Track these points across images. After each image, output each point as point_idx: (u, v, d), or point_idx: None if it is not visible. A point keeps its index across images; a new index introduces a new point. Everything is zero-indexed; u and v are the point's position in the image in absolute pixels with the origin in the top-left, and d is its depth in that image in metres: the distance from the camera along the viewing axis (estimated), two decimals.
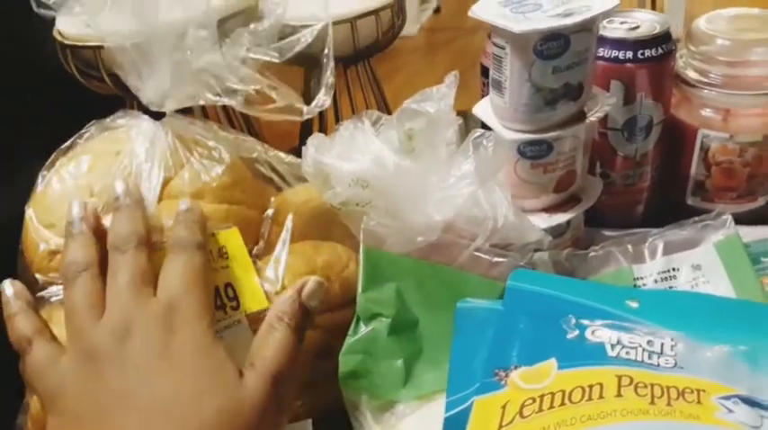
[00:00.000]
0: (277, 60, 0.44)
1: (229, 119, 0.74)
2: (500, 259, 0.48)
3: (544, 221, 0.55)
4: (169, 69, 0.44)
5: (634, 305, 0.41)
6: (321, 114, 0.76)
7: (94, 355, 0.37)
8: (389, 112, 0.79)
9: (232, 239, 0.44)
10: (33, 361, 0.39)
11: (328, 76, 0.46)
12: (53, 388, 0.37)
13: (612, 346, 0.38)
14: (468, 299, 0.45)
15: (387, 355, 0.45)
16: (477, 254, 0.50)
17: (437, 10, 3.19)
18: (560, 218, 0.55)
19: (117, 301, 0.39)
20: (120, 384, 0.36)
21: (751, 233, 0.64)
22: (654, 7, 2.45)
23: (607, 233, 0.66)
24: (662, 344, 0.38)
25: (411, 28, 2.71)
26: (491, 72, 0.51)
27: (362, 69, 0.74)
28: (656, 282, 0.48)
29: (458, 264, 0.50)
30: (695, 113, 0.62)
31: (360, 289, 0.46)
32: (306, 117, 0.46)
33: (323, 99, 0.46)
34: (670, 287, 0.48)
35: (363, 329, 0.46)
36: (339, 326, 0.46)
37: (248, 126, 0.76)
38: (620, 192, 0.65)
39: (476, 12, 0.49)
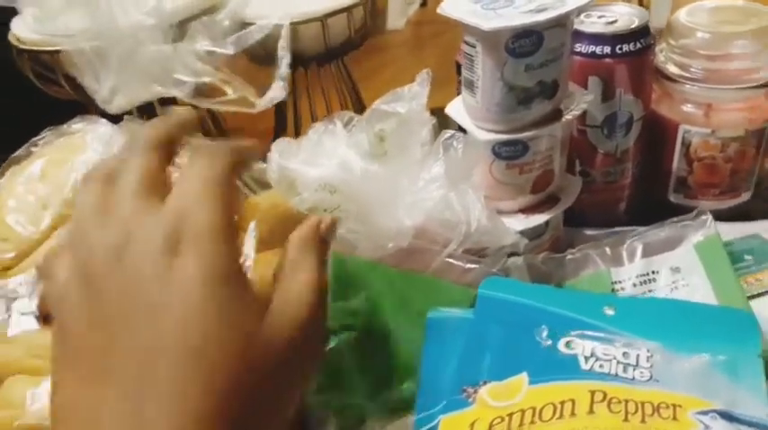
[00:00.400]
0: (231, 52, 0.43)
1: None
2: (473, 265, 0.46)
3: (521, 223, 0.54)
4: (119, 65, 0.42)
5: (610, 313, 0.39)
6: (296, 116, 0.74)
7: (92, 272, 0.30)
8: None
9: None
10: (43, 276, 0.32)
11: (283, 70, 0.45)
12: (54, 306, 0.31)
13: (586, 359, 0.36)
14: (440, 308, 0.43)
15: (356, 369, 0.43)
16: (450, 260, 0.48)
17: (423, 3, 3.16)
18: (538, 219, 0.54)
19: (118, 209, 0.31)
20: (118, 312, 0.29)
21: (735, 230, 0.62)
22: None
23: (588, 232, 0.64)
24: (638, 356, 0.36)
25: (398, 22, 2.68)
26: (463, 71, 0.50)
27: (336, 68, 0.72)
28: (634, 285, 0.46)
29: (431, 270, 0.48)
30: (676, 108, 0.60)
31: (328, 299, 0.45)
32: (258, 109, 0.44)
33: (277, 91, 0.45)
34: (649, 290, 0.46)
35: (332, 340, 0.44)
36: None
37: (218, 129, 0.74)
38: (601, 190, 0.63)
39: (445, 9, 0.47)
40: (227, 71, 0.44)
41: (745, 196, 0.63)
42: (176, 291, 0.29)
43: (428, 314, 0.43)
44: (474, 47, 0.47)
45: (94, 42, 0.42)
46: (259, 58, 0.67)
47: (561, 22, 0.45)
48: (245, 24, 0.46)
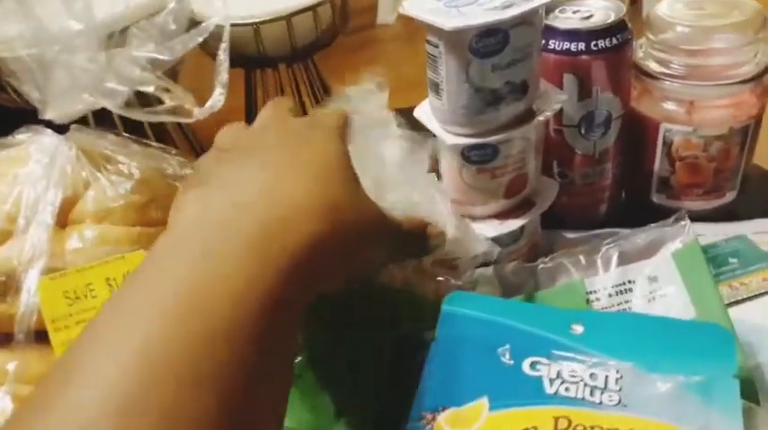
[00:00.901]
0: (167, 58, 0.41)
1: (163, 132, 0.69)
2: (441, 278, 0.44)
3: (495, 229, 0.52)
4: (51, 74, 0.40)
5: (579, 330, 0.37)
6: None
7: (232, 148, 0.36)
8: None
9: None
10: None
11: (222, 75, 0.42)
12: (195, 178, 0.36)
13: (551, 381, 0.34)
14: (405, 323, 0.41)
15: (312, 391, 0.41)
16: (418, 271, 0.46)
17: None
18: (513, 224, 0.52)
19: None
20: (267, 141, 0.36)
21: (720, 230, 0.60)
22: None
23: (569, 235, 0.62)
24: (606, 378, 0.34)
25: (388, 17, 2.66)
26: (428, 73, 0.47)
27: (306, 69, 0.70)
28: (610, 295, 0.44)
29: (399, 282, 0.46)
30: (657, 106, 0.58)
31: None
32: (196, 118, 0.42)
33: (216, 99, 0.42)
34: (625, 301, 0.44)
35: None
36: None
37: (187, 137, 0.72)
38: (581, 192, 0.61)
39: (406, 8, 0.45)
40: (166, 78, 0.41)
41: (731, 196, 0.61)
42: (320, 134, 0.37)
43: (392, 330, 0.40)
44: (437, 47, 0.44)
45: (31, 49, 0.40)
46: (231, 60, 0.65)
47: (528, 20, 0.42)
48: (194, 26, 0.44)
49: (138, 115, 0.41)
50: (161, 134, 0.67)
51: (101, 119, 0.53)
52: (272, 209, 0.31)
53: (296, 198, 0.32)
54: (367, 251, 0.37)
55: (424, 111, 0.51)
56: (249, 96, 0.71)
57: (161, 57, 0.40)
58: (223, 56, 0.42)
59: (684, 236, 0.44)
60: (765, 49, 0.56)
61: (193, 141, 0.72)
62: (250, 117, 0.72)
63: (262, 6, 0.62)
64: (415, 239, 0.42)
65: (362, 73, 0.44)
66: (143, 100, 0.42)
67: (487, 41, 0.43)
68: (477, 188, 0.50)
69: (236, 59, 0.65)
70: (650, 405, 0.32)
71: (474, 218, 0.53)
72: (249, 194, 0.32)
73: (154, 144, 0.50)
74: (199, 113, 0.41)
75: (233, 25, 0.61)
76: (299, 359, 0.42)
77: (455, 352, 0.37)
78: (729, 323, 0.39)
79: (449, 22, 0.42)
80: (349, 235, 0.34)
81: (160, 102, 0.42)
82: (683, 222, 0.44)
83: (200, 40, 0.42)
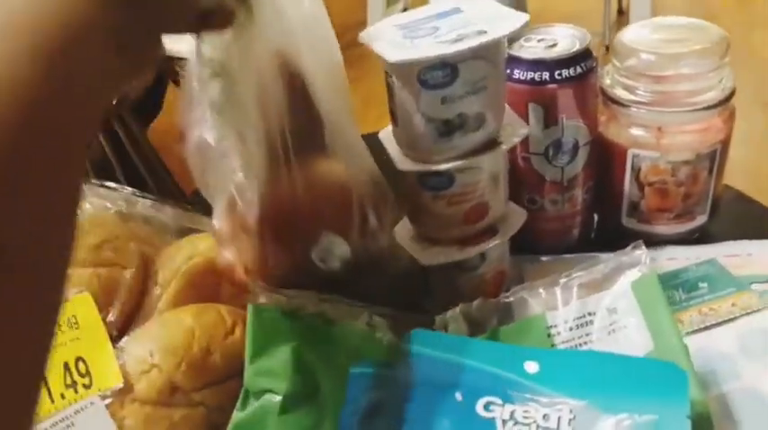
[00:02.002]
0: None
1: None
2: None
3: (454, 254, 0.52)
4: None
5: (533, 369, 0.37)
6: None
7: None
8: None
9: (83, 306, 0.40)
10: None
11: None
12: None
13: (504, 423, 0.34)
14: (364, 361, 0.41)
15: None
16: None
17: (404, 10, 3.16)
18: (472, 251, 0.51)
19: None
20: None
21: (691, 254, 0.60)
22: (620, 9, 2.42)
23: (543, 259, 0.62)
24: (559, 419, 0.34)
25: None
26: (388, 100, 0.47)
27: None
28: (570, 329, 0.44)
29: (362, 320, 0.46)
30: (624, 132, 0.58)
31: (247, 358, 0.42)
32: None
33: None
34: (586, 334, 0.44)
35: (252, 405, 0.41)
36: (222, 402, 0.41)
37: (159, 166, 0.72)
38: (552, 217, 0.61)
39: (363, 35, 0.45)
40: None
41: (701, 219, 0.61)
42: None
43: (350, 369, 0.40)
44: (391, 77, 0.45)
45: None
46: None
47: (479, 55, 0.43)
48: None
49: None
50: (133, 174, 0.67)
51: None
52: None
53: None
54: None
55: (387, 135, 0.51)
56: None
57: None
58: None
59: (642, 265, 0.44)
60: (730, 73, 0.56)
61: (166, 179, 0.72)
62: None
63: None
64: None
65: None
66: None
67: (435, 74, 0.43)
68: (435, 213, 0.51)
69: None
70: None
71: (436, 242, 0.53)
72: None
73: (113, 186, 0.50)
74: None
75: None
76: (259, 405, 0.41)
77: (413, 391, 0.37)
78: (686, 356, 0.39)
79: (395, 54, 0.42)
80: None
81: None
82: (639, 251, 0.44)
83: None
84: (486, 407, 0.35)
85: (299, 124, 0.42)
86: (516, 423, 0.34)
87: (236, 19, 0.37)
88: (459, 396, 0.36)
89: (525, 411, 0.34)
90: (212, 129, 0.42)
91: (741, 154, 1.08)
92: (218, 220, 0.45)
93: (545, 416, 0.34)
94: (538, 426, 0.34)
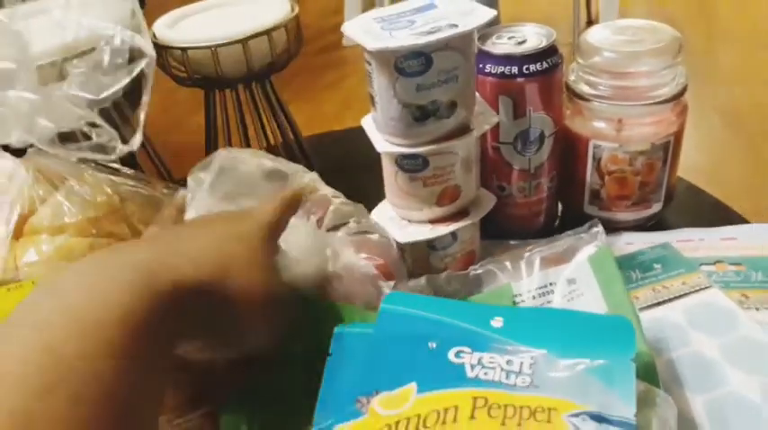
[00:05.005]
0: (97, 97, 0.44)
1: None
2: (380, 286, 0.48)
3: (426, 233, 0.56)
4: None
5: (498, 324, 0.41)
6: (230, 138, 0.76)
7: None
8: (295, 133, 0.79)
9: None
10: None
11: (141, 117, 0.45)
12: None
13: (472, 367, 0.38)
14: (348, 324, 0.45)
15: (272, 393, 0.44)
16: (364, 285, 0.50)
17: None
18: (443, 230, 0.56)
19: None
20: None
21: (646, 239, 0.65)
22: (588, 12, 2.48)
23: (512, 243, 0.67)
24: (521, 364, 0.38)
25: None
26: (367, 86, 0.52)
27: (262, 89, 0.74)
28: (534, 297, 0.48)
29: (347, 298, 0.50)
30: (587, 125, 0.63)
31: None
32: (118, 155, 0.45)
33: (136, 141, 0.46)
34: (547, 302, 0.48)
35: None
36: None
37: (156, 157, 0.75)
38: (519, 203, 0.65)
39: (346, 26, 0.49)
40: (95, 114, 0.44)
41: (656, 207, 0.66)
42: (246, 223, 0.42)
43: (335, 330, 0.44)
44: (370, 64, 0.49)
45: None
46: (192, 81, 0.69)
47: (451, 45, 0.47)
48: (139, 58, 0.47)
49: (62, 152, 0.44)
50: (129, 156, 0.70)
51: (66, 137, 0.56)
52: (164, 257, 0.35)
53: (189, 250, 0.37)
54: (258, 321, 0.40)
55: (368, 121, 0.55)
56: (209, 115, 0.74)
57: (90, 96, 0.43)
58: (146, 98, 0.45)
59: (598, 241, 0.48)
60: (682, 71, 0.61)
61: (159, 164, 0.75)
62: (210, 134, 0.75)
63: (219, 31, 0.66)
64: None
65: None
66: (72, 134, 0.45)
67: (411, 63, 0.47)
68: (411, 194, 0.55)
69: (197, 81, 0.69)
70: (557, 386, 0.36)
71: (411, 221, 0.57)
72: (154, 250, 0.36)
73: (112, 166, 0.53)
74: (119, 152, 0.44)
75: (192, 48, 0.65)
76: None
77: (390, 345, 0.41)
78: (634, 315, 0.44)
79: (373, 43, 0.46)
80: (233, 294, 0.37)
81: (88, 137, 0.45)
82: (596, 229, 0.48)
83: (133, 75, 0.45)
84: (457, 354, 0.39)
85: None
86: (483, 367, 0.38)
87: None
88: (432, 345, 0.40)
89: (491, 357, 0.38)
90: None
91: (702, 159, 1.14)
92: None
93: (508, 362, 0.38)
94: (502, 369, 0.38)
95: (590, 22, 2.66)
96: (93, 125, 0.44)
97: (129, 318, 0.30)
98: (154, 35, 0.68)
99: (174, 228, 0.40)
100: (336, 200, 0.57)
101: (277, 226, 0.44)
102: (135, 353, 0.30)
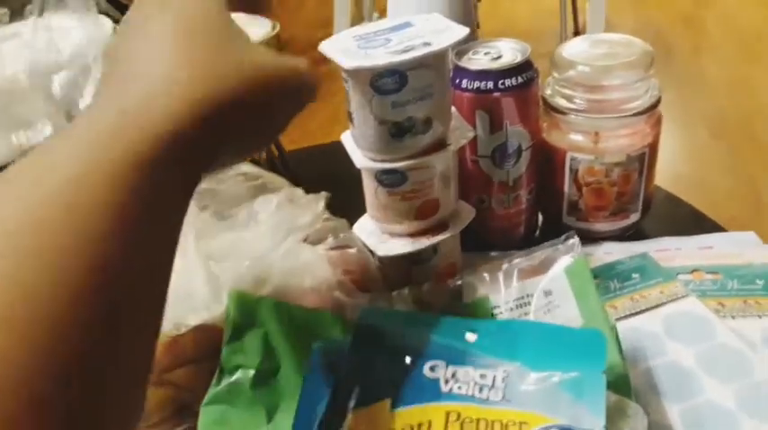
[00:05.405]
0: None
1: None
2: (363, 301, 0.49)
3: (407, 246, 0.56)
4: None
5: (472, 338, 0.42)
6: None
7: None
8: (279, 148, 0.80)
9: None
10: None
11: None
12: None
13: (446, 381, 0.39)
14: (326, 339, 0.46)
15: (249, 406, 0.45)
16: (340, 296, 0.50)
17: None
18: (424, 242, 0.56)
19: None
20: None
21: (626, 249, 0.66)
22: (576, 23, 2.51)
23: (492, 255, 0.68)
24: (494, 377, 0.39)
25: None
26: (345, 103, 0.52)
27: None
28: (511, 309, 0.49)
29: (324, 307, 0.50)
30: (564, 137, 0.64)
31: (225, 339, 0.47)
32: None
33: None
34: (525, 313, 0.49)
35: (226, 380, 0.46)
36: (192, 383, 0.45)
37: None
38: (499, 215, 0.66)
39: (323, 45, 0.50)
40: None
41: (634, 217, 0.67)
42: None
43: (313, 345, 0.45)
44: (347, 82, 0.49)
45: None
46: None
47: (425, 63, 0.48)
48: None
49: None
50: None
51: None
52: (133, 88, 0.31)
53: (153, 74, 0.32)
54: (272, 108, 0.36)
55: (347, 137, 0.56)
56: None
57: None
58: None
59: (574, 253, 0.49)
60: (655, 84, 0.63)
61: None
62: None
63: None
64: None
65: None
66: None
67: (386, 81, 0.48)
68: (391, 208, 0.55)
69: None
70: (529, 399, 0.37)
71: (392, 234, 0.58)
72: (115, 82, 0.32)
73: None
74: None
75: None
76: (233, 380, 0.46)
77: (366, 360, 0.42)
78: (609, 326, 0.45)
79: (348, 62, 0.47)
80: (228, 99, 0.33)
81: None
82: (572, 240, 0.49)
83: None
84: (432, 368, 0.40)
85: None
86: (457, 381, 0.39)
87: None
88: (407, 360, 0.40)
89: (465, 372, 0.39)
90: None
91: (689, 169, 1.15)
92: None
93: (482, 376, 0.39)
94: (476, 383, 0.38)
95: (577, 33, 2.69)
96: None
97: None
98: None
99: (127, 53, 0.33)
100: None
101: None
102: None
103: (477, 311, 0.49)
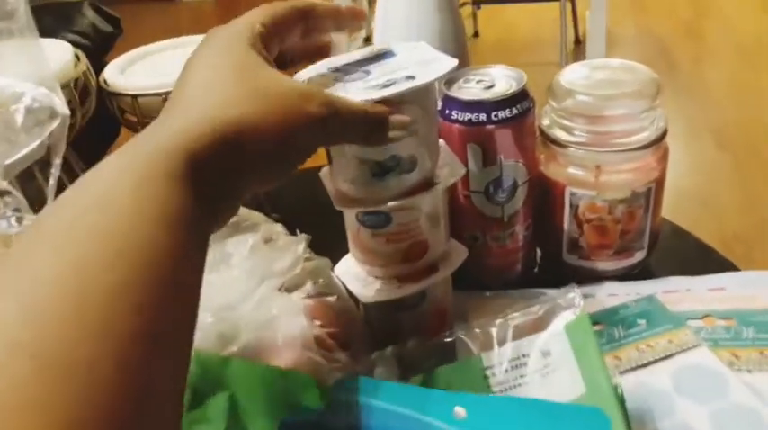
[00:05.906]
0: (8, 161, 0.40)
1: None
2: (337, 364, 0.44)
3: (393, 292, 0.52)
4: None
5: (461, 414, 0.37)
6: None
7: None
8: None
9: None
10: None
11: (50, 181, 0.42)
12: None
13: None
14: (296, 409, 0.41)
15: None
16: (313, 356, 0.46)
17: (367, 39, 3.18)
18: (412, 288, 0.52)
19: None
20: None
21: (631, 290, 0.61)
22: (576, 31, 2.47)
23: (487, 294, 0.63)
24: None
25: None
26: None
27: None
28: (506, 370, 0.44)
29: (295, 367, 0.46)
30: (563, 171, 0.59)
31: (185, 405, 0.42)
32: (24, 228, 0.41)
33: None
34: (521, 375, 0.44)
35: None
36: None
37: None
38: (494, 254, 0.62)
39: (299, 75, 0.46)
40: (5, 184, 0.40)
41: (639, 255, 0.62)
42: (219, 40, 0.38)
43: (281, 419, 0.40)
44: None
45: None
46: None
47: (407, 99, 0.43)
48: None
49: None
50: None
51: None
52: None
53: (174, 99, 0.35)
54: (294, 136, 0.36)
55: (325, 173, 0.51)
56: None
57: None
58: (57, 161, 0.42)
59: (575, 307, 0.44)
60: (662, 114, 0.58)
61: None
62: None
63: (171, 76, 0.62)
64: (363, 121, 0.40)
65: None
66: None
67: None
68: (375, 250, 0.51)
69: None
70: None
71: (377, 277, 0.53)
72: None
73: None
74: (28, 222, 0.41)
75: (143, 96, 0.62)
76: None
77: None
78: (614, 401, 0.40)
79: None
80: (247, 123, 0.34)
81: None
82: (571, 294, 0.44)
83: (44, 137, 0.42)
84: None
85: None
86: None
87: None
88: None
89: None
90: None
91: (693, 182, 1.11)
92: None
93: None
94: None
95: (578, 41, 2.66)
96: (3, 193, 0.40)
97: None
98: (105, 81, 0.66)
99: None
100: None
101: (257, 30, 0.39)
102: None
103: (467, 372, 0.44)
